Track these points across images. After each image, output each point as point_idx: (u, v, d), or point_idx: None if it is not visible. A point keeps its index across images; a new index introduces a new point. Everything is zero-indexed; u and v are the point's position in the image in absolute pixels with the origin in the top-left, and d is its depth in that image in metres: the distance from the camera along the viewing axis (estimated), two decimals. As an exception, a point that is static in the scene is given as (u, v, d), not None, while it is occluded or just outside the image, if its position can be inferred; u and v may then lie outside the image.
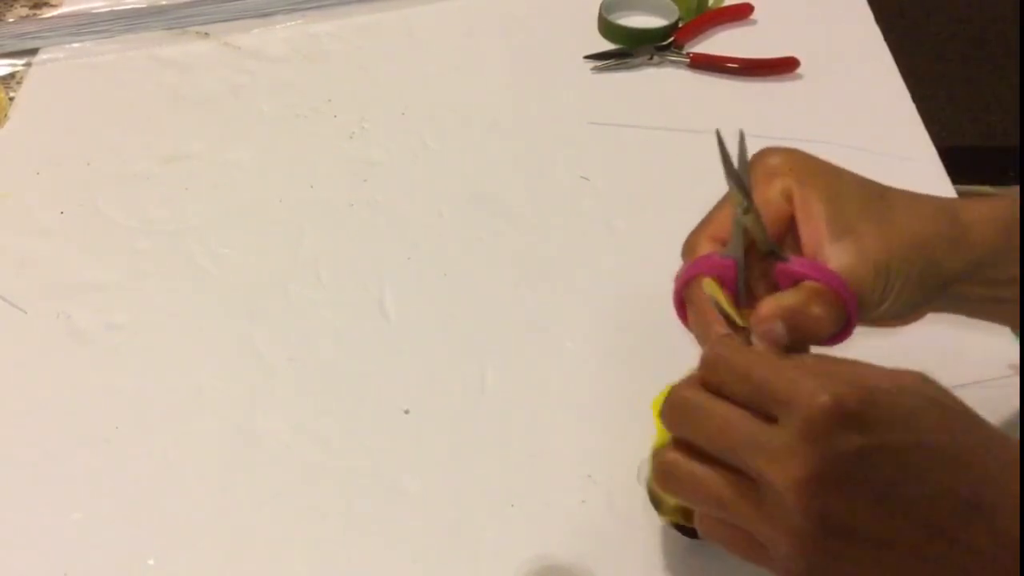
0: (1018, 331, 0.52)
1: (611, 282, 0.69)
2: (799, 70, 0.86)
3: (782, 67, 0.86)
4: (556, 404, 0.62)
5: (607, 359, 0.65)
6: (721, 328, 0.42)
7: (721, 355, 0.40)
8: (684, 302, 0.46)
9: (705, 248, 0.46)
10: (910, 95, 0.84)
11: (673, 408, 0.40)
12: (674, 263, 0.71)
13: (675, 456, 0.40)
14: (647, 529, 0.56)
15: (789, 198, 0.44)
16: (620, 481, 0.58)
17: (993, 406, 0.49)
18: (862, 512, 0.36)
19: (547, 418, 0.61)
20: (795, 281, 0.43)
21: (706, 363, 0.40)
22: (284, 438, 0.60)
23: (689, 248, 0.47)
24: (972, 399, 0.39)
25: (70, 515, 0.56)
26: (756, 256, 0.44)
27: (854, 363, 0.39)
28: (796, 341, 0.41)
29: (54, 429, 0.60)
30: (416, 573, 0.55)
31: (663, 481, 0.41)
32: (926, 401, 0.37)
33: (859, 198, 0.44)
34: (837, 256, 0.42)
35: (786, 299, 0.41)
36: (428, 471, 0.59)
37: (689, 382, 0.41)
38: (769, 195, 0.45)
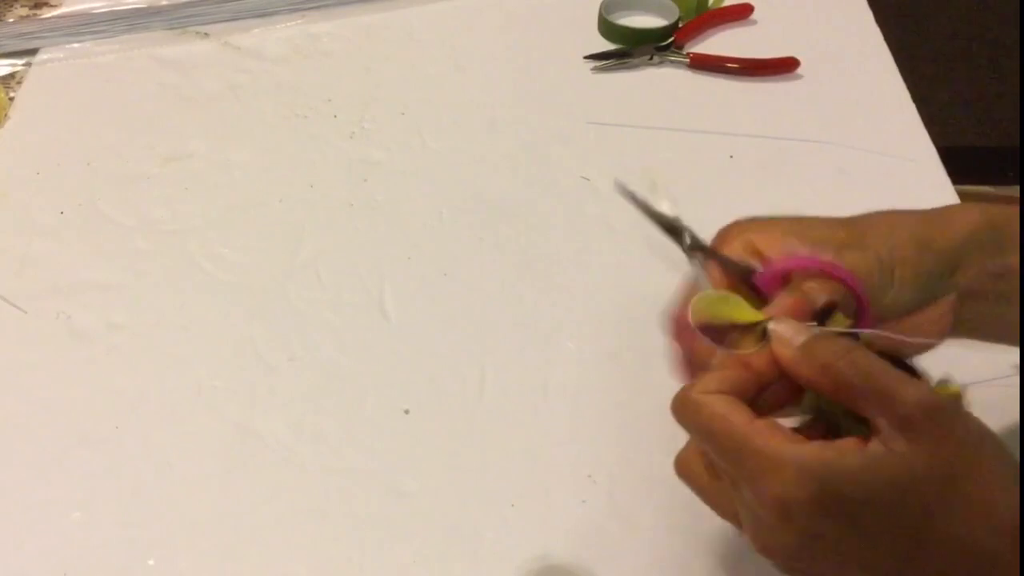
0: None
1: (611, 282, 0.69)
2: (799, 70, 0.86)
3: (782, 67, 0.86)
4: (556, 404, 0.62)
5: (607, 359, 0.65)
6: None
7: (678, 411, 0.41)
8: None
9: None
10: (910, 95, 0.84)
11: (676, 468, 0.43)
12: (674, 263, 0.71)
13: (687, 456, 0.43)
14: (647, 529, 0.56)
15: (752, 249, 0.44)
16: (620, 481, 0.58)
17: (996, 406, 0.49)
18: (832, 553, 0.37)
19: (547, 418, 0.61)
20: (781, 280, 0.42)
21: (678, 419, 0.41)
22: (284, 438, 0.60)
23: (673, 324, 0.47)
24: (975, 399, 0.39)
25: (70, 515, 0.56)
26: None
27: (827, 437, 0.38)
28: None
29: (54, 429, 0.60)
30: (416, 573, 0.55)
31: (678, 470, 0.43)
32: (880, 487, 0.36)
33: (825, 221, 0.45)
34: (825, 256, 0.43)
35: (784, 297, 0.42)
36: (428, 471, 0.59)
37: (690, 444, 0.43)
38: (734, 248, 0.45)
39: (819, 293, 0.41)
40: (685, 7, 0.91)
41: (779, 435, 0.37)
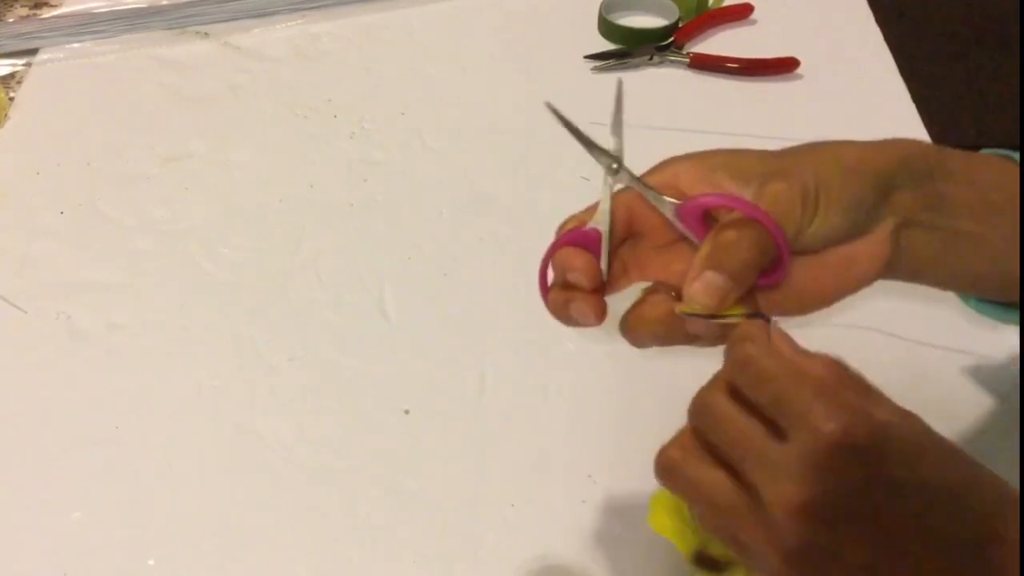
0: (965, 295, 0.51)
1: (611, 282, 0.69)
2: (799, 70, 0.86)
3: (782, 67, 0.86)
4: (556, 404, 0.62)
5: (607, 359, 0.65)
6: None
7: (750, 357, 0.39)
8: (546, 279, 0.46)
9: (571, 225, 0.45)
10: (910, 95, 0.84)
11: (697, 409, 0.40)
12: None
13: (679, 454, 0.40)
14: (647, 529, 0.56)
15: (676, 182, 0.43)
16: (620, 481, 0.58)
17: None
18: (852, 544, 0.36)
19: (547, 418, 0.61)
20: (701, 215, 0.42)
21: (735, 362, 0.40)
22: (284, 438, 0.60)
23: (559, 229, 0.46)
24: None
25: (70, 515, 0.56)
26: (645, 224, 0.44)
27: (869, 391, 0.38)
28: (738, 280, 0.40)
29: (54, 429, 0.60)
30: (416, 573, 0.55)
31: (665, 477, 0.41)
32: (929, 440, 0.37)
33: (758, 154, 0.43)
34: (751, 192, 0.41)
35: (702, 250, 0.41)
36: (428, 471, 0.59)
37: (718, 383, 0.40)
38: (658, 180, 0.44)
39: (738, 249, 0.40)
40: (685, 7, 0.91)
41: (848, 378, 0.38)
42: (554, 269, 0.45)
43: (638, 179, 0.43)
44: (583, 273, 0.43)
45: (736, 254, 0.40)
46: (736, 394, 0.39)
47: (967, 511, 0.36)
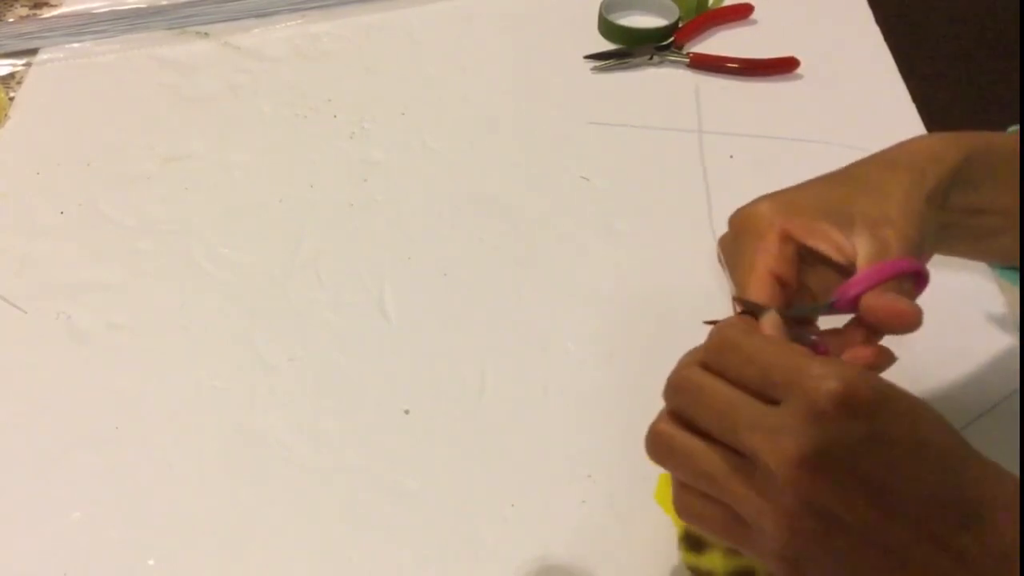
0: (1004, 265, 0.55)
1: (611, 282, 0.69)
2: (799, 70, 0.86)
3: (782, 67, 0.86)
4: (556, 404, 0.62)
5: (607, 359, 0.65)
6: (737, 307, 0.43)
7: (728, 337, 0.40)
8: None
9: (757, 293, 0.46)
10: (910, 95, 0.84)
11: (675, 388, 0.40)
12: (674, 263, 0.71)
13: (668, 427, 0.40)
14: (647, 529, 0.56)
15: (788, 238, 0.45)
16: (620, 481, 0.58)
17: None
18: (852, 503, 0.35)
19: (547, 418, 0.61)
20: (854, 299, 0.44)
21: (712, 345, 0.40)
22: (284, 438, 0.60)
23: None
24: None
25: (70, 515, 0.56)
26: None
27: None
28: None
29: (54, 429, 0.60)
30: (416, 573, 0.55)
31: (654, 452, 0.41)
32: (923, 405, 0.37)
33: (837, 187, 0.46)
34: (862, 238, 0.44)
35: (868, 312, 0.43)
36: (428, 471, 0.59)
37: (691, 361, 0.41)
38: (771, 248, 0.45)
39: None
40: (685, 7, 0.91)
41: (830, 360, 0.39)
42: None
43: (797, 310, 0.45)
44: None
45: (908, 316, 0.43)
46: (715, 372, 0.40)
47: (962, 473, 0.36)
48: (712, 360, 0.40)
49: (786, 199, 0.46)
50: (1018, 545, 0.35)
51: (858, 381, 0.36)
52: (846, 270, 0.45)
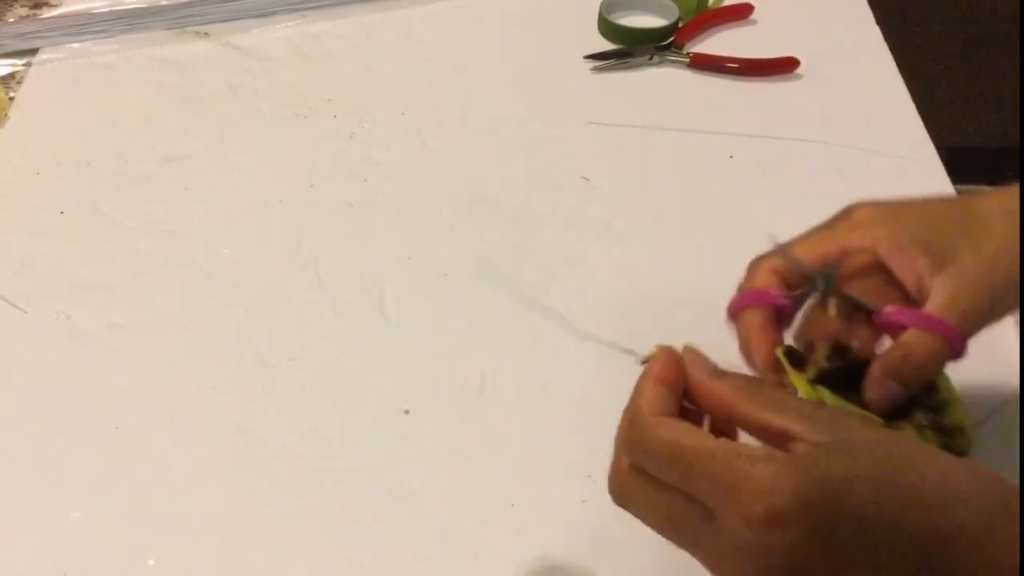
0: None
1: (611, 282, 0.69)
2: (799, 70, 0.86)
3: (782, 67, 0.86)
4: (556, 404, 0.62)
5: (607, 359, 0.65)
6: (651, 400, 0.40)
7: (639, 439, 0.38)
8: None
9: (765, 279, 0.47)
10: (910, 95, 0.84)
11: (614, 493, 0.41)
12: (674, 263, 0.71)
13: (623, 480, 0.40)
14: (647, 529, 0.56)
15: (879, 243, 0.46)
16: (620, 481, 0.58)
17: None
18: None
19: (547, 418, 0.61)
20: (894, 326, 0.45)
21: (626, 444, 0.39)
22: (284, 438, 0.60)
23: (753, 269, 0.48)
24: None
25: (70, 515, 0.56)
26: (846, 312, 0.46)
27: (783, 406, 0.37)
28: (911, 388, 0.44)
29: (54, 429, 0.60)
30: (416, 573, 0.55)
31: (616, 496, 0.41)
32: (875, 471, 0.34)
33: (947, 222, 0.46)
34: (941, 286, 0.44)
35: (890, 356, 0.45)
36: (428, 471, 0.59)
37: (621, 463, 0.40)
38: (856, 244, 0.46)
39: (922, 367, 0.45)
40: (685, 7, 0.91)
41: (745, 448, 0.35)
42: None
43: (846, 296, 0.46)
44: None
45: (919, 371, 0.44)
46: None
47: (927, 516, 0.34)
48: (635, 459, 0.39)
49: (893, 208, 0.47)
50: (1016, 558, 0.34)
51: (778, 495, 0.33)
52: (906, 293, 0.46)
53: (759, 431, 0.37)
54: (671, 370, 0.40)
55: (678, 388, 0.40)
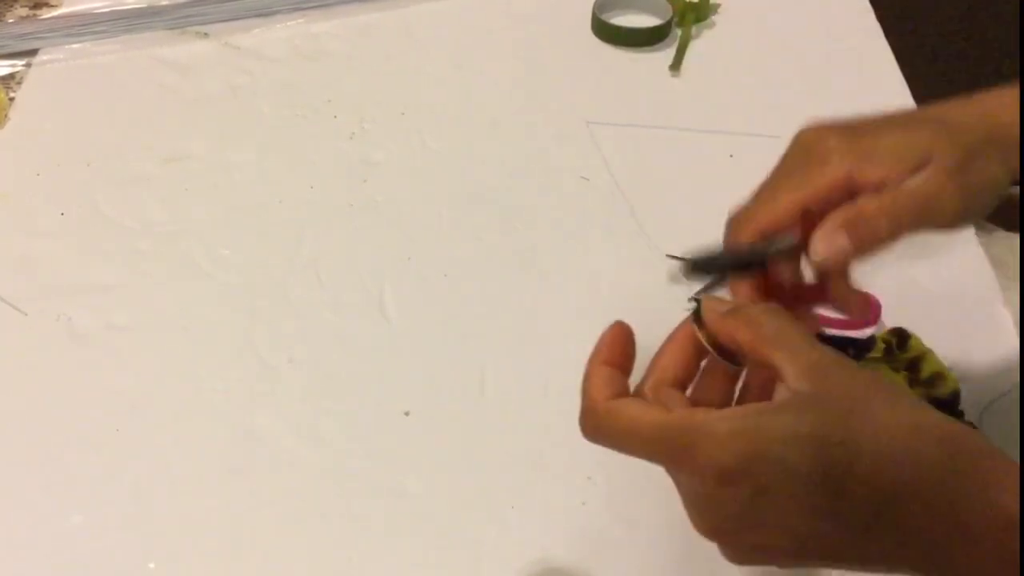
0: None
1: (611, 282, 0.69)
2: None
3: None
4: (556, 405, 0.62)
5: (607, 360, 0.65)
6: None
7: (596, 429, 0.41)
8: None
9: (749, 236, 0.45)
10: (910, 95, 0.84)
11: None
12: (674, 263, 0.71)
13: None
14: (647, 530, 0.56)
15: (847, 184, 0.43)
16: (620, 483, 0.58)
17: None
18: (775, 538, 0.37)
19: (547, 420, 0.61)
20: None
21: (589, 437, 0.42)
22: (284, 440, 0.60)
23: (736, 223, 0.47)
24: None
25: (70, 518, 0.56)
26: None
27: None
28: (859, 252, 0.41)
29: (54, 431, 0.60)
30: (416, 575, 0.55)
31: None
32: (822, 431, 0.36)
33: (917, 129, 0.43)
34: (917, 182, 0.42)
35: (842, 209, 0.42)
36: (428, 473, 0.59)
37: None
38: (820, 186, 0.44)
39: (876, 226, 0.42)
40: (679, 6, 0.90)
41: (699, 411, 0.38)
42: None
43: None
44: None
45: (871, 225, 0.41)
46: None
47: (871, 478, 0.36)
48: (599, 444, 0.41)
49: (858, 140, 0.44)
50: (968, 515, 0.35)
51: (727, 450, 0.36)
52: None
53: (763, 365, 0.39)
54: (617, 348, 0.43)
55: (627, 363, 0.43)
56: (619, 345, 0.43)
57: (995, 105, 0.45)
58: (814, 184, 0.44)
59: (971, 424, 0.59)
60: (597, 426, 0.41)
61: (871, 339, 0.62)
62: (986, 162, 0.42)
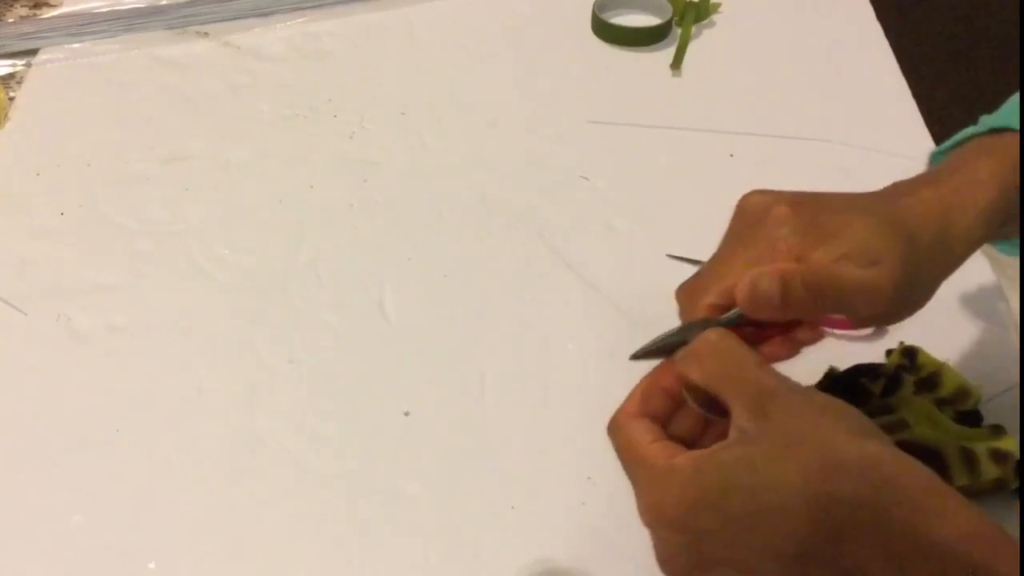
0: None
1: (611, 282, 0.69)
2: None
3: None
4: (556, 406, 0.62)
5: (607, 360, 0.65)
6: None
7: (609, 432, 0.45)
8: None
9: (704, 311, 0.44)
10: (911, 94, 0.84)
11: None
12: (674, 263, 0.71)
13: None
14: (647, 531, 0.56)
15: (792, 250, 0.42)
16: (620, 483, 0.58)
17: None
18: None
19: (547, 420, 0.61)
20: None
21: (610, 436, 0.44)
22: (284, 440, 0.60)
23: (688, 298, 0.46)
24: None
25: (70, 518, 0.56)
26: None
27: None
28: (785, 305, 0.41)
29: (54, 431, 0.60)
30: (416, 575, 0.55)
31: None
32: (750, 480, 0.37)
33: (877, 232, 0.42)
34: (862, 277, 0.41)
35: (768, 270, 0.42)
36: (428, 473, 0.59)
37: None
38: (775, 269, 0.42)
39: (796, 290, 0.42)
40: (679, 6, 0.90)
41: (666, 451, 0.40)
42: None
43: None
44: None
45: (795, 292, 0.41)
46: None
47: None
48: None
49: (813, 218, 0.43)
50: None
51: (665, 492, 0.39)
52: None
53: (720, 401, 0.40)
54: (663, 377, 0.44)
55: (666, 403, 0.44)
56: (665, 376, 0.44)
57: (948, 191, 0.45)
58: (766, 259, 0.43)
59: (996, 426, 0.57)
60: (610, 431, 0.44)
61: (879, 367, 0.60)
62: (931, 276, 0.43)
